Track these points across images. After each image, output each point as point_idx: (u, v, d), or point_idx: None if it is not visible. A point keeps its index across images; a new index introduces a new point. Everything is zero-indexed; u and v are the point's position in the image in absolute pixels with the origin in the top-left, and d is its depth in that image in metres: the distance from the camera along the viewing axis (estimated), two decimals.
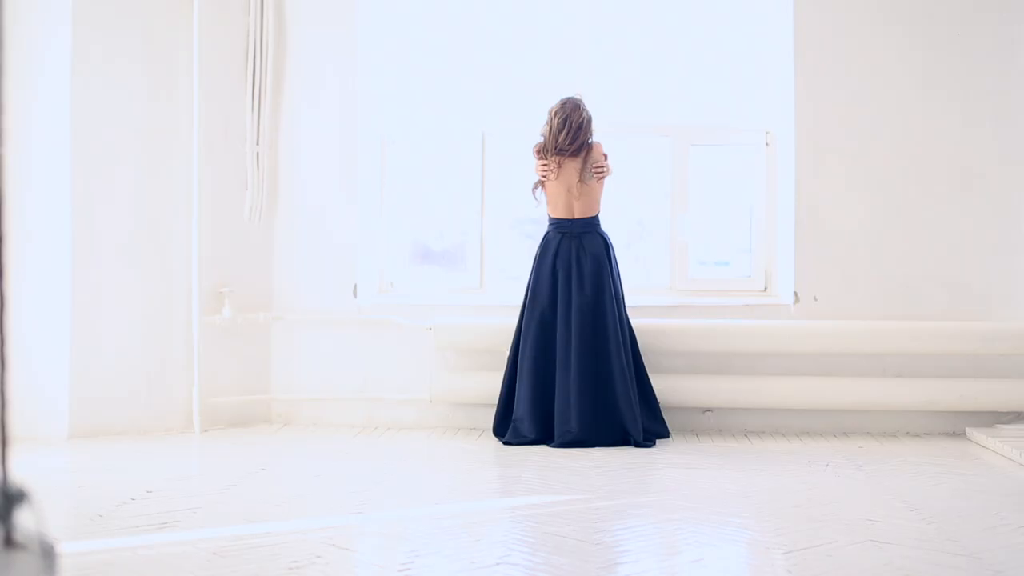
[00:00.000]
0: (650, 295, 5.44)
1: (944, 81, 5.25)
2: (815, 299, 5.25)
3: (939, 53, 5.25)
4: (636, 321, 5.20)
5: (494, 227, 5.59)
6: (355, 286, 5.42)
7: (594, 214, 4.93)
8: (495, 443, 4.83)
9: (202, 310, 5.18)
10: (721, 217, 5.73)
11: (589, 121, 4.92)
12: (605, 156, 4.93)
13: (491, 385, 5.15)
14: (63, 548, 2.82)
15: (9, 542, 1.17)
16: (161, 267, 5.14)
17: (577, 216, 4.90)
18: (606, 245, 4.90)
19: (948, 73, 5.25)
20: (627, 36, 5.61)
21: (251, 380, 5.39)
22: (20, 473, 1.28)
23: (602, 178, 4.92)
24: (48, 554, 1.19)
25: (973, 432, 4.92)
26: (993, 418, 5.09)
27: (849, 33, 5.28)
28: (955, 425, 5.13)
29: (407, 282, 5.63)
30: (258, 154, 5.35)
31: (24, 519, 1.18)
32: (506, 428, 4.84)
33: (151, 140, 5.10)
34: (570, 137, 4.86)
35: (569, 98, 4.95)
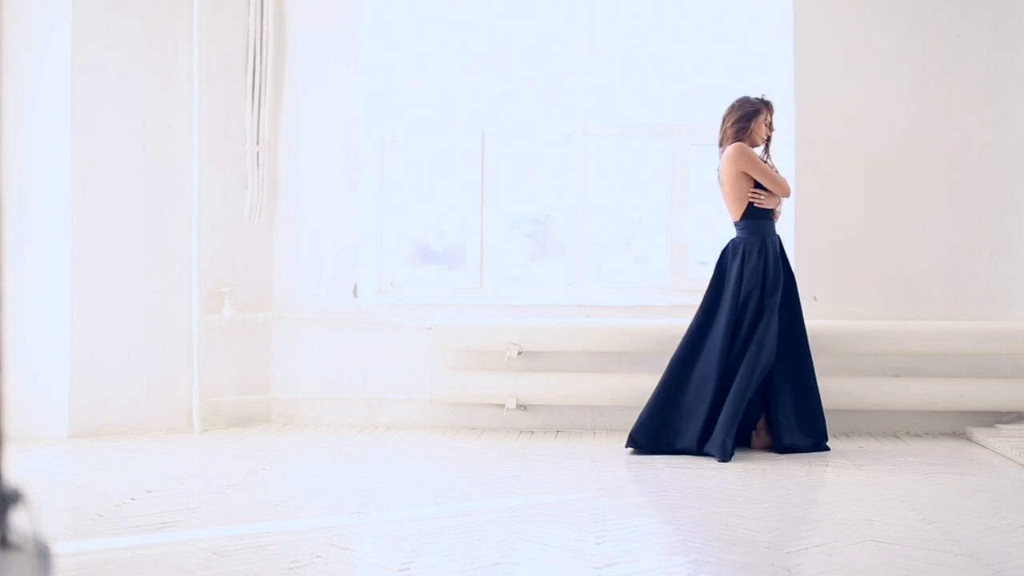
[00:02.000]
0: (650, 295, 5.44)
1: (944, 81, 5.25)
2: (815, 299, 5.25)
3: (939, 53, 5.25)
4: (635, 321, 5.21)
5: (494, 227, 5.59)
6: (355, 286, 5.42)
7: (736, 219, 4.70)
8: (495, 442, 4.84)
9: (202, 310, 5.18)
10: (721, 217, 5.72)
11: (727, 118, 4.69)
12: (746, 170, 4.60)
13: (491, 385, 5.17)
14: (63, 548, 2.82)
15: (4, 543, 1.16)
16: (161, 267, 5.14)
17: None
18: (731, 252, 4.65)
19: (948, 73, 5.25)
20: (627, 36, 5.61)
21: (251, 380, 5.39)
22: (18, 473, 1.28)
23: (754, 199, 4.63)
24: (43, 555, 1.18)
25: (973, 432, 4.92)
26: (993, 418, 5.09)
27: (849, 33, 5.28)
28: (955, 425, 5.13)
29: (407, 282, 5.63)
30: (258, 154, 5.35)
31: (19, 519, 1.18)
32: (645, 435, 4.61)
33: (151, 140, 5.10)
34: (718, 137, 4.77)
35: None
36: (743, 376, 4.47)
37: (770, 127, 4.74)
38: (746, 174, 4.63)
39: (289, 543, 2.95)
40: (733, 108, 4.69)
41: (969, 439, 4.94)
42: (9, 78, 4.79)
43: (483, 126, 5.57)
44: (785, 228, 5.36)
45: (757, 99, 4.71)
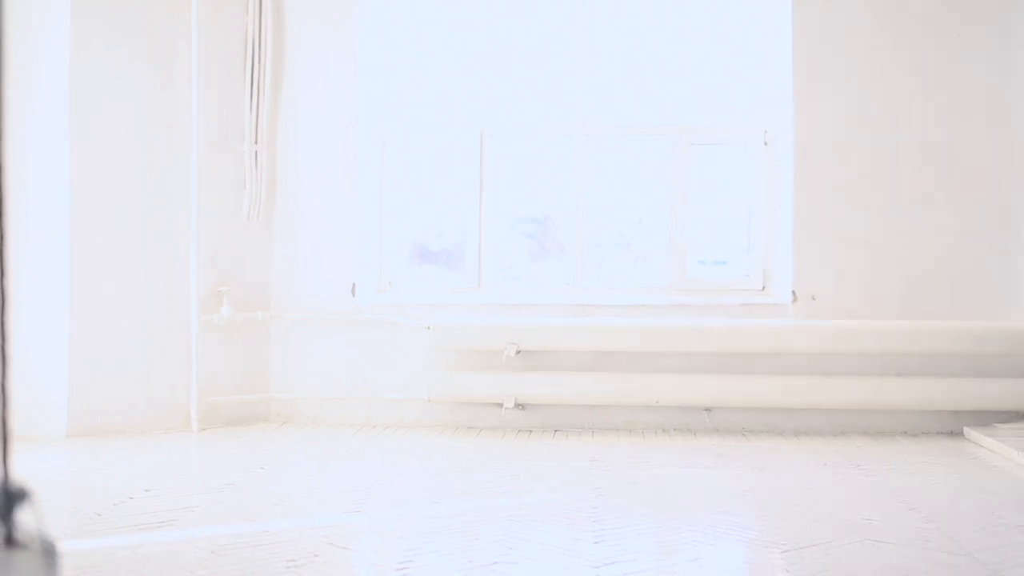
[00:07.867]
0: (649, 294, 5.45)
1: (942, 81, 5.26)
2: (813, 298, 5.26)
3: (937, 53, 5.25)
4: (634, 321, 5.22)
5: (493, 226, 5.60)
6: (353, 285, 5.42)
7: None
8: (493, 441, 4.84)
9: (201, 309, 5.19)
10: (720, 216, 5.74)
11: None
12: None
13: (489, 384, 5.16)
14: (62, 547, 2.83)
15: (10, 541, 1.17)
16: (160, 266, 5.14)
17: None
18: None
19: (946, 72, 5.25)
20: (627, 36, 5.61)
21: (250, 379, 5.39)
22: (19, 472, 1.28)
23: None
24: (49, 553, 1.19)
25: (971, 432, 4.92)
26: (991, 417, 5.09)
27: (847, 32, 5.29)
28: (953, 425, 5.13)
29: (406, 281, 5.64)
30: (257, 153, 5.35)
31: (25, 518, 1.19)
32: None
33: (151, 140, 5.11)
34: None
35: None
36: None
37: None
38: None
39: (287, 542, 2.95)
40: None
41: (967, 439, 4.94)
42: (9, 78, 4.79)
43: (482, 126, 5.57)
44: (783, 227, 5.37)
45: None
